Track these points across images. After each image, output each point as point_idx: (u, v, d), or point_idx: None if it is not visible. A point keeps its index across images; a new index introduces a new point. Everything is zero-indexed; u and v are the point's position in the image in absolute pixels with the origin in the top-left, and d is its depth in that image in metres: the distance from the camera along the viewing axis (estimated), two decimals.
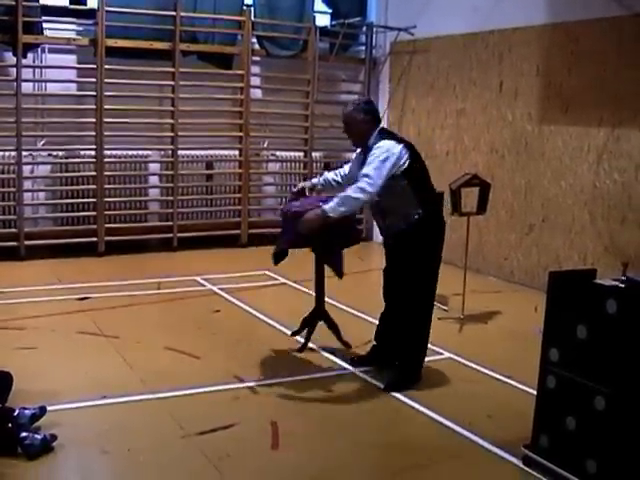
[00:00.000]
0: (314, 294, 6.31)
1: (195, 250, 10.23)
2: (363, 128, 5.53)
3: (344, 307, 7.64)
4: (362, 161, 5.48)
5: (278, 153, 11.13)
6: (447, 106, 10.08)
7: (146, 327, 6.97)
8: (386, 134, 5.58)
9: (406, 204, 5.41)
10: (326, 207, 5.27)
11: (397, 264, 5.65)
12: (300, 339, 6.43)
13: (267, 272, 9.02)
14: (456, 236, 9.43)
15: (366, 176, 5.25)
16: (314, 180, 6.10)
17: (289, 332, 6.70)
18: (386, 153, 5.29)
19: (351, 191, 5.27)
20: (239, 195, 10.79)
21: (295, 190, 6.03)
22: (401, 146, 5.39)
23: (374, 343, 6.05)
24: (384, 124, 10.94)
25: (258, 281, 8.72)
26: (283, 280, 8.77)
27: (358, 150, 5.78)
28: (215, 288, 8.33)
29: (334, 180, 5.98)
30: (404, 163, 5.36)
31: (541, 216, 8.83)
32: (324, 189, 6.03)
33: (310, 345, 6.40)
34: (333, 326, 6.29)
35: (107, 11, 9.48)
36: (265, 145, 11.03)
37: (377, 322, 6.04)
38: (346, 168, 5.96)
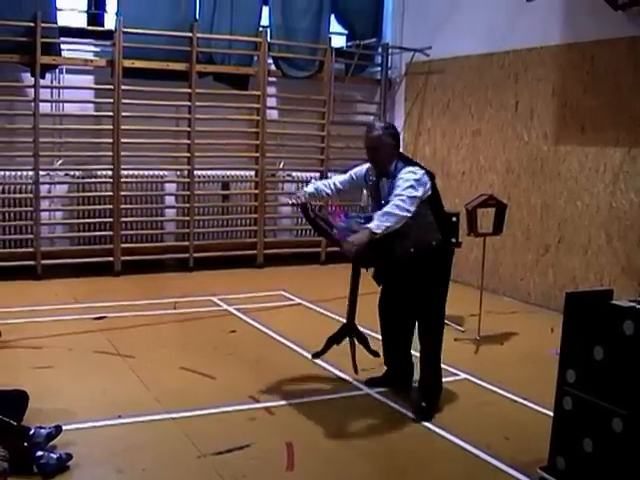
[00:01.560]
0: (347, 307, 6.14)
1: (211, 270, 10.23)
2: (390, 153, 5.51)
3: (360, 328, 7.63)
4: (382, 186, 5.57)
5: (294, 174, 11.15)
6: (463, 126, 10.08)
7: (162, 347, 6.98)
8: (408, 160, 5.62)
9: (425, 229, 5.44)
10: (371, 226, 5.23)
11: (409, 289, 5.62)
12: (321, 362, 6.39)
13: (283, 292, 9.05)
14: (472, 257, 9.50)
15: (402, 196, 5.24)
16: (308, 189, 5.95)
17: (305, 353, 6.70)
18: (417, 178, 5.33)
19: (391, 208, 5.23)
20: (255, 215, 10.80)
21: (298, 203, 5.87)
22: (424, 172, 5.43)
23: (386, 368, 6.07)
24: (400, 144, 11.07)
25: (274, 301, 8.73)
26: (299, 300, 8.76)
27: (361, 168, 5.84)
28: (231, 308, 8.33)
29: (324, 192, 5.98)
30: (429, 189, 5.41)
31: (557, 237, 8.80)
32: (314, 198, 6.08)
33: (324, 365, 6.40)
34: (363, 339, 6.16)
35: (124, 32, 9.54)
36: (281, 165, 11.05)
37: (382, 347, 6.07)
38: (335, 180, 5.98)
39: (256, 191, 10.77)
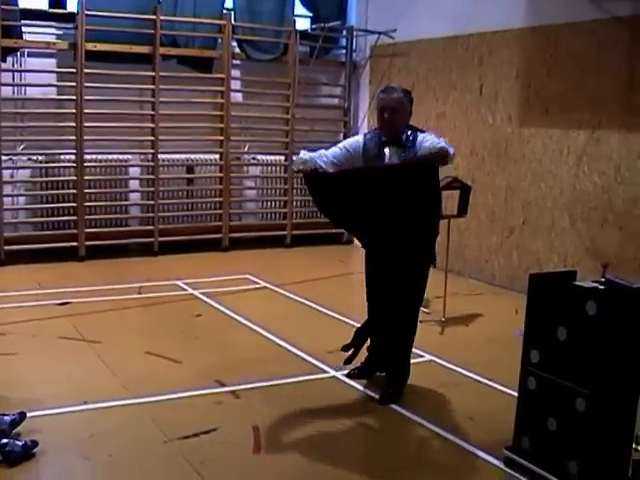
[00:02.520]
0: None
1: (176, 254, 10.21)
2: (407, 119, 5.39)
3: (326, 311, 7.66)
4: (387, 157, 5.33)
5: (259, 157, 11.13)
6: (427, 109, 10.07)
7: (127, 332, 6.96)
8: (421, 130, 5.42)
9: (430, 213, 5.36)
10: (442, 144, 5.08)
11: (399, 273, 5.29)
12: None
13: (248, 276, 9.05)
14: (438, 240, 9.50)
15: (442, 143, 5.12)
16: (306, 157, 5.30)
17: (270, 336, 6.72)
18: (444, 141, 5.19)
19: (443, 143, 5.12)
20: (220, 199, 10.78)
21: (309, 170, 5.21)
22: None
23: (367, 354, 5.84)
24: (364, 127, 11.09)
25: (239, 285, 8.71)
26: (264, 284, 8.76)
27: (356, 140, 5.53)
28: (196, 292, 8.31)
29: (318, 165, 5.30)
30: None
31: (521, 219, 8.86)
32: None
33: (290, 348, 6.42)
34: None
35: (87, 15, 9.44)
36: (246, 149, 11.02)
37: (363, 332, 5.69)
38: (328, 154, 5.39)
39: (221, 174, 10.74)
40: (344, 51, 11.57)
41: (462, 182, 7.56)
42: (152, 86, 10.04)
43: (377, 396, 5.50)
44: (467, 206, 7.51)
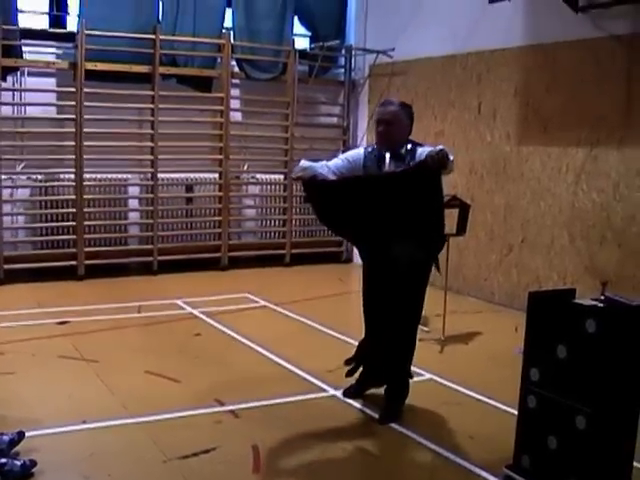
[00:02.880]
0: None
1: (175, 273, 10.21)
2: (403, 132, 5.36)
3: (326, 329, 7.65)
4: (385, 170, 5.29)
5: (258, 176, 11.14)
6: (426, 127, 10.04)
7: (127, 351, 6.94)
8: (422, 145, 5.36)
9: (434, 226, 5.24)
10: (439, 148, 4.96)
11: (398, 288, 5.28)
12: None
13: (248, 295, 9.05)
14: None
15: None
16: (304, 164, 5.30)
17: (270, 355, 6.72)
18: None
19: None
20: (219, 218, 10.77)
21: (307, 178, 5.20)
22: None
23: (361, 369, 5.79)
24: (363, 145, 11.09)
25: (239, 304, 8.70)
26: (264, 303, 8.76)
27: (357, 152, 5.52)
28: (196, 311, 8.31)
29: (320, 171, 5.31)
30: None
31: (520, 237, 8.86)
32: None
33: (290, 367, 6.43)
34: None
35: (87, 34, 9.48)
36: (245, 168, 11.04)
37: (364, 347, 5.73)
38: (329, 164, 5.39)
39: (220, 193, 10.75)
40: (343, 70, 11.60)
41: (461, 200, 7.54)
42: (151, 105, 10.07)
43: (377, 415, 5.48)
44: (466, 224, 7.48)
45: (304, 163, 5.29)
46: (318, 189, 5.22)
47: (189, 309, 8.41)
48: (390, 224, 5.08)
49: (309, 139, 11.09)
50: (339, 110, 11.71)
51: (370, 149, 5.52)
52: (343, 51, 11.51)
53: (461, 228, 7.47)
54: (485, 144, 9.30)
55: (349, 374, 5.62)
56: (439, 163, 4.92)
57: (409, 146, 5.33)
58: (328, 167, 5.33)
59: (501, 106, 9.07)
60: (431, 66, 10.07)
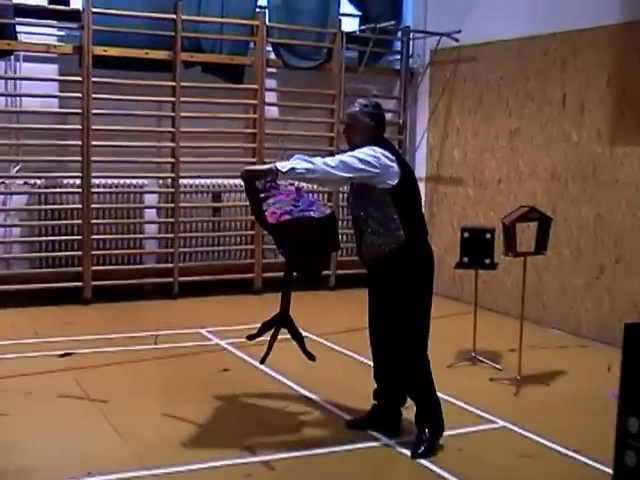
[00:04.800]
0: (280, 298, 6.10)
1: (199, 297, 10.24)
2: (365, 134, 5.75)
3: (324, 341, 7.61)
4: None
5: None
6: (498, 125, 10.06)
7: (141, 389, 6.94)
8: (386, 145, 5.74)
9: (389, 226, 5.60)
10: (281, 163, 5.49)
11: (381, 298, 5.80)
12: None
13: None
14: (510, 280, 9.47)
15: (341, 157, 5.54)
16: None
17: (310, 395, 6.68)
18: (374, 155, 5.51)
19: (320, 159, 5.54)
20: (252, 232, 10.80)
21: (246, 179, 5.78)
22: (394, 162, 5.59)
23: (374, 402, 6.09)
24: (423, 146, 11.08)
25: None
26: (304, 333, 8.70)
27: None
28: (223, 343, 8.31)
29: None
30: (392, 179, 5.55)
31: (614, 256, 8.78)
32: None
33: (331, 409, 6.43)
34: (297, 336, 6.24)
35: (94, 13, 9.56)
36: None
37: (372, 376, 6.08)
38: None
39: None
40: (399, 57, 11.63)
41: (541, 212, 7.50)
42: (172, 98, 10.12)
43: (433, 466, 5.45)
44: (547, 241, 7.44)
45: (294, 160, 5.66)
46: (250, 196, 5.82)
47: (215, 340, 8.42)
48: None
49: None
50: (394, 105, 11.72)
51: None
52: (399, 34, 11.53)
53: (541, 245, 7.42)
54: (571, 144, 9.22)
55: (251, 337, 6.13)
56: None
57: (368, 145, 5.65)
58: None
59: (591, 98, 8.98)
60: (505, 51, 10.03)
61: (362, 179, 5.51)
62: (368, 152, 5.51)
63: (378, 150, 5.54)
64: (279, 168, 5.41)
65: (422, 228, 5.87)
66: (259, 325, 6.07)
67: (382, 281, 5.75)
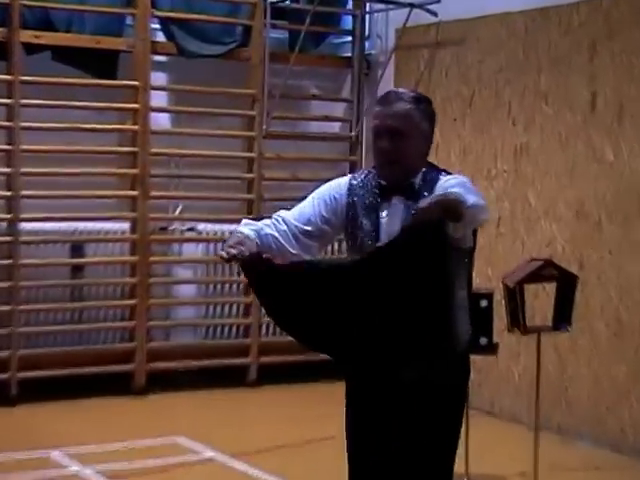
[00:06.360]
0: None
1: (45, 403, 10.06)
2: (421, 147, 5.29)
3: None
4: (389, 213, 5.26)
5: (200, 226, 11.00)
6: (497, 139, 10.09)
7: None
8: (445, 171, 5.42)
9: (453, 315, 5.33)
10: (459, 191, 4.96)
11: (407, 425, 5.36)
12: None
13: (178, 440, 9.02)
14: (518, 369, 9.38)
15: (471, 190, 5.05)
16: (246, 231, 5.37)
17: None
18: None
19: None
20: (131, 301, 10.72)
21: (244, 256, 5.23)
22: None
23: None
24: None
25: (162, 455, 8.58)
26: (209, 453, 8.52)
27: (337, 185, 5.48)
28: (87, 471, 8.14)
29: (271, 239, 5.36)
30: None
31: None
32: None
33: None
34: None
35: None
36: (177, 212, 11.03)
37: None
38: (288, 217, 5.42)
39: (133, 258, 10.69)
40: (350, 38, 11.68)
41: (561, 268, 7.61)
42: (8, 100, 10.02)
43: None
44: (571, 311, 7.52)
45: (244, 227, 5.31)
46: (265, 275, 5.29)
47: (73, 467, 8.22)
48: (377, 322, 5.11)
49: (290, 161, 11.01)
50: (343, 110, 11.82)
51: (360, 178, 5.45)
52: (350, 4, 11.55)
53: (562, 317, 7.53)
54: (605, 166, 9.18)
55: None
56: (441, 213, 4.87)
57: (428, 173, 5.30)
58: (286, 224, 5.33)
59: (633, 98, 8.95)
60: (506, 30, 10.03)
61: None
62: (470, 185, 5.14)
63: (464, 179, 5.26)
64: (465, 200, 4.89)
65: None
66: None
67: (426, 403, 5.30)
